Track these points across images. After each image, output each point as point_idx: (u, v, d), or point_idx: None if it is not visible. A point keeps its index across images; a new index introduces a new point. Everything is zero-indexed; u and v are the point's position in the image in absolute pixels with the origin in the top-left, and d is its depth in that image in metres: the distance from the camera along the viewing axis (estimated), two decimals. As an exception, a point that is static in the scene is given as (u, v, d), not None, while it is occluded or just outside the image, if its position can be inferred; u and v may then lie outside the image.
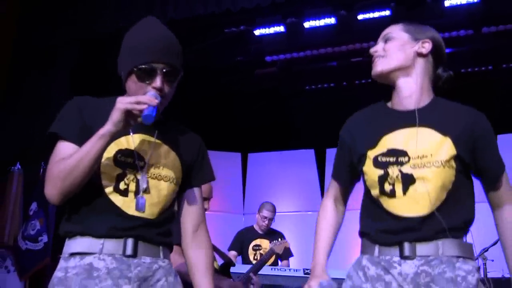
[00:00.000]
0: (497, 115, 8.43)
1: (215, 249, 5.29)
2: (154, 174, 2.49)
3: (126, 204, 2.41)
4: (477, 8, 7.19)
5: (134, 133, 2.49)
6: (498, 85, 8.54)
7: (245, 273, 5.85)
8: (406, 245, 2.39)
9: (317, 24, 7.62)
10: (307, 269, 6.27)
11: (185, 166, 2.61)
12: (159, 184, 2.50)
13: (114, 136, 2.31)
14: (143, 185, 2.44)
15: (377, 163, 2.49)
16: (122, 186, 2.43)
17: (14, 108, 7.47)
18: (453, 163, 2.41)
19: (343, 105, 9.81)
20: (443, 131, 2.44)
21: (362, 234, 2.60)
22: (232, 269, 5.45)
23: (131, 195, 2.43)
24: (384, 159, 2.49)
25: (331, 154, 9.83)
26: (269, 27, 7.82)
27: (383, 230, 2.47)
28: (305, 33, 7.88)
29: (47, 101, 7.22)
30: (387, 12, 7.34)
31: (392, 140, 2.50)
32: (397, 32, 2.66)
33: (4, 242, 6.82)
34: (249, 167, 10.56)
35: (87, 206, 2.41)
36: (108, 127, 2.28)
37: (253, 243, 7.12)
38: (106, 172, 2.41)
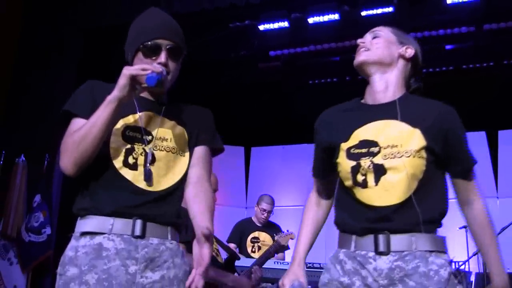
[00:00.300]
0: (498, 111, 8.55)
1: (218, 242, 5.32)
2: (162, 147, 2.58)
3: (136, 178, 2.49)
4: (479, 5, 7.23)
5: (140, 111, 2.58)
6: (499, 81, 8.58)
7: (250, 267, 5.87)
8: (381, 240, 2.44)
9: (321, 20, 7.66)
10: (310, 263, 6.30)
11: (193, 138, 2.68)
12: (167, 156, 2.58)
13: (121, 102, 2.40)
14: (148, 157, 2.51)
15: (349, 155, 2.54)
16: (131, 160, 2.51)
17: (21, 101, 7.50)
18: (423, 154, 2.46)
19: (346, 100, 9.88)
20: (413, 124, 2.50)
21: (337, 225, 2.64)
22: (237, 263, 5.49)
23: (140, 168, 2.51)
24: (356, 151, 2.55)
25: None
26: (273, 22, 7.85)
27: (358, 220, 2.51)
28: (309, 29, 7.90)
29: (53, 95, 7.25)
30: (390, 9, 7.38)
31: (364, 132, 2.56)
32: (385, 32, 2.77)
33: (8, 234, 6.82)
34: (252, 161, 10.60)
35: (98, 181, 2.50)
36: (115, 93, 2.39)
37: (252, 235, 7.12)
38: (115, 147, 2.51)
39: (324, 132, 2.74)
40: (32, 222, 6.82)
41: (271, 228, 7.11)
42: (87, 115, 2.46)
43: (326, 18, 7.63)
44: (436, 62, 9.00)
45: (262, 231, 7.13)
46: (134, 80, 2.39)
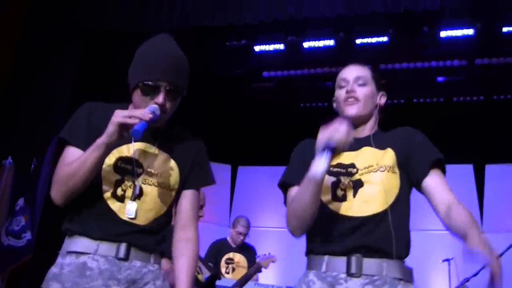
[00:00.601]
0: (486, 145, 8.62)
1: (200, 260, 5.34)
2: (151, 181, 2.61)
3: (121, 210, 2.54)
4: (472, 40, 7.31)
5: (135, 141, 2.60)
6: (489, 115, 8.65)
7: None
8: (353, 262, 2.48)
9: (316, 45, 7.72)
10: (291, 287, 6.33)
11: (184, 173, 2.71)
12: (155, 190, 2.61)
13: (112, 145, 2.46)
14: (135, 192, 2.56)
15: (329, 172, 2.61)
16: (119, 192, 2.56)
17: (16, 102, 7.49)
18: (396, 169, 2.61)
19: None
20: (383, 147, 2.67)
21: (308, 251, 2.68)
22: (217, 283, 5.50)
23: (127, 200, 2.56)
24: (335, 169, 2.65)
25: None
26: (269, 44, 7.91)
27: (332, 236, 2.56)
28: (303, 52, 7.98)
29: (50, 97, 7.25)
30: (384, 38, 7.46)
31: (340, 158, 2.68)
32: (369, 79, 2.86)
33: (-14, 236, 6.80)
34: (238, 180, 10.61)
35: (87, 209, 2.55)
36: (103, 139, 2.41)
37: (226, 256, 7.10)
38: (106, 177, 2.56)
39: (303, 155, 2.79)
40: (13, 225, 6.77)
41: (246, 250, 7.14)
42: (81, 145, 2.54)
43: (321, 43, 7.69)
44: (427, 93, 9.09)
45: (237, 253, 7.14)
46: (122, 127, 2.40)
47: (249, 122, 10.15)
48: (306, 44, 7.76)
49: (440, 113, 8.84)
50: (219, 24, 6.89)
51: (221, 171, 10.35)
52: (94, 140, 2.45)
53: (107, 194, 2.55)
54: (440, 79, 8.47)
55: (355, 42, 7.60)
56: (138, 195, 2.57)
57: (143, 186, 2.59)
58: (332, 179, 2.64)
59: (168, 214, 2.69)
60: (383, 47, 7.67)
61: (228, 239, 7.26)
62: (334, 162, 2.65)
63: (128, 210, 2.54)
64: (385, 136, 2.76)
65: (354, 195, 2.58)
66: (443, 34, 7.28)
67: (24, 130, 7.16)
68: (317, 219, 2.59)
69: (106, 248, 2.50)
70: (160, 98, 2.53)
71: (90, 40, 7.54)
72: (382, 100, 2.87)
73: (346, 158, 2.68)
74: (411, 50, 7.92)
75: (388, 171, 2.60)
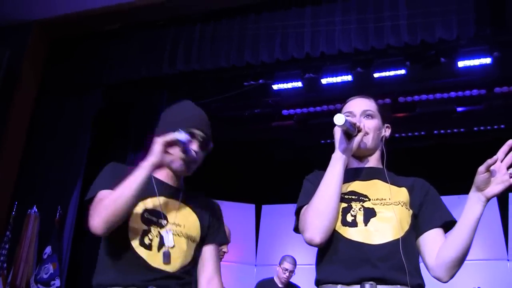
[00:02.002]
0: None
1: None
2: (176, 231, 2.73)
3: (151, 257, 2.64)
4: (490, 69, 7.29)
5: (160, 195, 2.75)
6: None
7: None
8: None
9: (334, 81, 7.72)
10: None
11: (204, 228, 2.85)
12: (180, 240, 2.73)
13: (154, 167, 2.61)
14: (169, 241, 2.67)
15: (342, 199, 2.64)
16: (146, 240, 2.66)
17: (36, 152, 7.57)
18: (408, 207, 2.63)
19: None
20: (397, 185, 2.71)
21: (318, 281, 2.66)
22: None
23: (154, 249, 2.66)
24: (347, 196, 2.67)
25: (344, 208, 9.92)
26: (287, 82, 7.93)
27: (344, 264, 2.53)
28: (322, 89, 7.98)
29: (67, 147, 7.33)
30: (402, 71, 7.45)
31: (352, 186, 2.72)
32: (375, 112, 2.92)
33: (16, 284, 6.79)
34: (263, 219, 10.59)
35: (115, 258, 2.64)
36: (150, 158, 2.58)
37: None
38: (133, 227, 2.66)
39: (315, 180, 2.81)
40: (41, 273, 6.80)
41: None
42: (112, 187, 2.61)
43: (339, 79, 7.68)
44: (447, 124, 9.05)
45: None
46: (165, 145, 2.61)
47: (271, 160, 10.17)
48: (324, 81, 7.75)
49: (461, 143, 8.81)
50: (236, 65, 6.94)
51: (245, 210, 10.36)
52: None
53: (135, 243, 2.64)
54: (460, 109, 8.44)
55: (373, 76, 7.59)
56: (164, 244, 2.67)
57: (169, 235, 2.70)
58: (343, 205, 2.64)
59: (193, 265, 2.80)
60: (401, 79, 7.66)
61: (275, 278, 7.27)
62: (346, 190, 2.68)
63: (165, 256, 2.64)
64: (398, 177, 2.81)
65: (366, 224, 2.58)
66: (460, 64, 7.26)
67: (48, 178, 7.24)
68: (327, 244, 2.61)
69: None
70: (194, 145, 2.74)
71: (107, 92, 7.64)
72: (387, 132, 2.94)
73: (358, 187, 2.71)
74: (429, 81, 7.91)
75: (402, 206, 2.61)
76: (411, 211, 2.63)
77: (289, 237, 10.12)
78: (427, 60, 7.29)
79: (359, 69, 7.48)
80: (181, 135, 2.60)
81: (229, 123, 9.24)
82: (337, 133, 2.71)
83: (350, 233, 2.57)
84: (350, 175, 2.76)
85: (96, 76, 7.63)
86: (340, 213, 2.62)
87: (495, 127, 9.09)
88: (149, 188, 2.71)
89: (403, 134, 9.59)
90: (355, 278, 2.48)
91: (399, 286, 2.46)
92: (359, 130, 2.70)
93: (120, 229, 2.61)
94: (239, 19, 7.09)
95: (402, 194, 2.67)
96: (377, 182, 2.73)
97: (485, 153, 2.76)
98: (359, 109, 2.89)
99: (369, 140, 2.80)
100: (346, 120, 2.56)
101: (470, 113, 8.68)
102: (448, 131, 9.28)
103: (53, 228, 7.04)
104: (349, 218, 2.61)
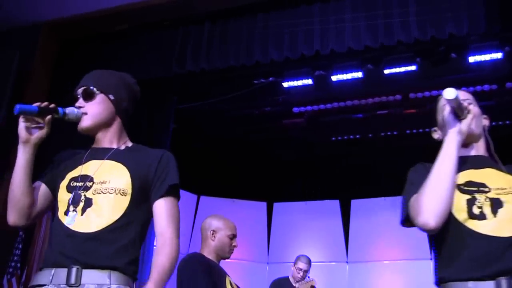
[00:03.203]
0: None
1: None
2: (100, 190, 2.67)
3: (69, 222, 2.63)
4: (501, 64, 7.26)
5: (86, 161, 2.79)
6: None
7: None
8: (504, 284, 2.33)
9: (344, 78, 7.71)
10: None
11: (136, 179, 2.74)
12: (105, 197, 2.66)
13: (28, 146, 2.73)
14: (79, 201, 2.65)
15: (462, 190, 2.55)
16: (71, 208, 2.66)
17: (47, 151, 7.59)
18: None
19: (368, 156, 9.94)
20: (504, 170, 2.63)
21: (443, 279, 2.53)
22: None
23: (79, 213, 2.63)
24: (466, 188, 2.56)
25: (355, 205, 9.92)
26: (297, 80, 7.92)
27: (475, 259, 2.42)
28: (332, 86, 7.97)
29: (80, 148, 7.35)
30: (413, 67, 7.44)
31: (468, 176, 2.61)
32: (473, 100, 2.87)
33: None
34: (274, 217, 10.59)
35: (51, 233, 2.69)
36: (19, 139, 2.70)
37: None
38: (61, 199, 2.70)
39: (421, 171, 2.72)
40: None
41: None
42: (42, 179, 2.86)
43: (349, 76, 7.68)
44: (459, 120, 9.02)
45: None
46: (28, 120, 2.70)
47: (282, 158, 10.18)
48: (334, 78, 7.75)
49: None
50: (245, 63, 6.94)
51: (257, 208, 10.37)
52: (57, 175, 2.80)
53: (61, 214, 2.65)
54: (471, 105, 8.41)
55: (384, 73, 7.58)
56: (88, 206, 2.63)
57: (93, 196, 2.65)
58: (466, 196, 2.54)
59: (128, 221, 2.68)
60: (411, 76, 7.65)
61: (290, 278, 7.25)
62: (463, 181, 2.58)
63: (69, 217, 2.62)
64: (504, 166, 2.69)
65: (495, 214, 2.48)
66: (471, 59, 7.23)
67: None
68: (452, 240, 2.52)
69: (59, 275, 2.52)
70: (79, 101, 2.89)
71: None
72: (486, 122, 2.84)
73: (474, 176, 2.61)
74: (440, 78, 7.89)
75: None
76: None
77: (301, 234, 10.16)
78: (437, 56, 7.28)
79: (369, 65, 7.48)
80: (15, 109, 2.59)
81: (240, 122, 9.25)
82: (447, 114, 2.63)
83: (479, 226, 2.47)
84: (461, 163, 2.62)
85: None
86: (466, 206, 2.52)
87: (507, 122, 9.06)
88: (78, 159, 2.81)
89: (414, 131, 9.58)
90: (489, 273, 2.37)
91: None
92: (468, 111, 2.60)
93: (55, 206, 2.71)
94: (247, 17, 7.08)
95: None
96: (491, 171, 2.64)
97: (497, 149, 2.75)
98: (463, 97, 2.79)
99: (474, 124, 2.68)
100: (457, 95, 2.50)
101: (481, 108, 8.66)
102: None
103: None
104: (476, 210, 2.50)
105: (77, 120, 2.80)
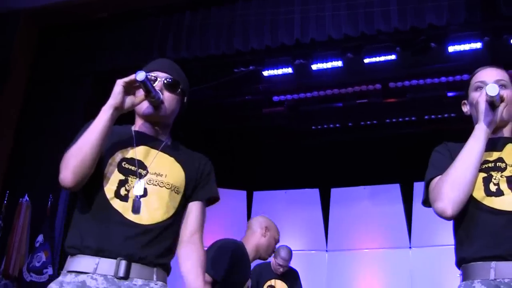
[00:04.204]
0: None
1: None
2: (155, 181, 2.62)
3: (125, 209, 2.52)
4: (480, 54, 7.29)
5: (138, 145, 2.67)
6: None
7: None
8: None
9: (324, 67, 7.72)
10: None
11: (189, 179, 2.73)
12: (160, 191, 2.61)
13: (117, 111, 2.54)
14: (138, 189, 2.55)
15: (479, 169, 2.54)
16: (123, 191, 2.55)
17: (26, 141, 7.55)
18: None
19: (348, 145, 9.96)
20: None
21: (463, 260, 2.53)
22: None
23: (131, 200, 2.54)
24: (483, 166, 2.56)
25: (335, 193, 9.94)
26: (277, 68, 7.92)
27: (497, 237, 2.41)
28: (312, 75, 7.98)
29: (59, 136, 7.30)
30: (392, 57, 7.46)
31: (488, 156, 2.61)
32: (508, 82, 2.77)
33: (9, 273, 6.78)
34: (254, 205, 10.59)
35: (89, 212, 2.55)
36: (109, 101, 2.53)
37: (268, 282, 7.00)
38: (109, 178, 2.57)
39: (444, 151, 2.74)
40: (34, 262, 6.81)
41: (288, 275, 6.98)
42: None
43: (329, 65, 7.69)
44: (438, 109, 9.06)
45: (278, 279, 7.01)
46: (126, 85, 2.54)
47: (262, 147, 10.17)
48: (314, 66, 7.76)
49: (452, 128, 8.82)
50: (226, 52, 6.93)
51: (237, 197, 10.36)
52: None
53: (110, 194, 2.54)
54: (450, 94, 8.45)
55: (363, 62, 7.59)
56: (142, 195, 2.55)
57: (147, 186, 2.58)
58: (482, 174, 2.55)
59: (176, 220, 2.67)
60: (391, 65, 7.67)
61: (272, 263, 7.14)
62: (482, 160, 2.57)
63: (133, 206, 2.53)
64: None
65: None
66: (451, 49, 7.26)
67: (39, 167, 7.21)
68: (471, 219, 2.51)
69: (105, 266, 2.45)
70: (157, 85, 2.67)
71: (98, 80, 7.61)
72: None
73: (491, 156, 2.62)
74: (420, 67, 7.91)
75: None
76: None
77: (281, 223, 10.09)
78: (417, 46, 7.29)
79: (349, 54, 7.48)
80: (139, 74, 2.49)
81: (220, 110, 9.23)
82: (482, 104, 2.58)
83: (497, 203, 2.47)
84: (486, 146, 2.60)
85: (86, 65, 7.61)
86: (482, 184, 2.53)
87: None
88: (127, 139, 2.68)
89: (393, 120, 9.61)
90: (510, 250, 2.37)
91: None
92: (502, 100, 2.58)
93: (95, 181, 2.53)
94: (228, 6, 7.08)
95: None
96: (510, 147, 2.65)
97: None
98: (493, 78, 2.75)
99: (507, 111, 2.66)
100: (499, 91, 2.50)
101: (461, 97, 8.69)
102: (439, 116, 9.29)
103: (45, 217, 7.03)
104: (492, 187, 2.51)
105: (155, 102, 2.64)
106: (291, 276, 6.97)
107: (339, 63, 7.67)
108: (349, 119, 9.80)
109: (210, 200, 2.84)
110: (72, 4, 7.37)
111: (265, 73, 8.07)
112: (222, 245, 4.44)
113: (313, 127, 10.22)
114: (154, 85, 2.64)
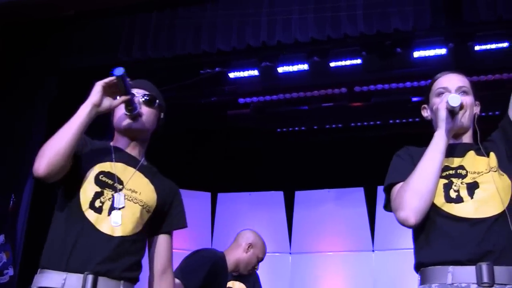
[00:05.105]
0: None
1: None
2: (130, 197, 2.70)
3: (98, 221, 2.60)
4: (445, 60, 7.35)
5: (116, 161, 2.76)
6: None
7: None
8: (484, 269, 2.35)
9: (290, 70, 7.74)
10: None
11: (160, 202, 2.82)
12: (134, 206, 2.69)
13: (95, 110, 2.67)
14: (119, 202, 2.64)
15: (440, 176, 2.58)
16: (97, 203, 2.64)
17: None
18: (500, 172, 2.60)
19: (313, 148, 9.99)
20: (487, 154, 2.67)
21: (421, 264, 2.57)
22: None
23: (104, 212, 2.62)
24: (444, 173, 2.60)
25: (299, 196, 9.95)
26: (243, 70, 7.91)
27: (454, 243, 2.45)
28: (278, 77, 7.98)
29: (22, 135, 7.22)
30: (358, 61, 7.50)
31: (448, 162, 2.67)
32: (469, 88, 2.84)
33: (-30, 274, 6.74)
34: (218, 207, 10.56)
35: (63, 223, 2.63)
36: (88, 99, 2.65)
37: (227, 284, 6.98)
38: (85, 189, 2.66)
39: (406, 156, 2.80)
40: (-6, 263, 6.74)
41: (248, 277, 6.94)
42: None
43: (295, 68, 7.70)
44: (403, 113, 9.12)
45: (237, 281, 6.96)
46: (105, 86, 2.67)
47: (227, 149, 10.16)
48: (280, 69, 7.77)
49: (416, 133, 8.89)
50: (192, 52, 6.92)
51: (201, 198, 10.33)
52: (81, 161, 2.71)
53: (85, 206, 2.61)
54: (415, 99, 8.51)
55: (329, 65, 7.62)
56: (119, 207, 2.65)
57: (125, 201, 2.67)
58: (443, 181, 2.58)
59: (142, 237, 2.75)
60: (357, 69, 7.70)
61: None
62: (443, 166, 2.61)
63: (113, 218, 2.60)
64: (485, 144, 2.74)
65: (471, 196, 2.51)
66: (416, 54, 7.32)
67: (1, 166, 7.12)
68: (430, 225, 2.54)
69: (73, 281, 2.49)
70: (136, 100, 2.81)
71: (63, 79, 7.54)
72: (477, 109, 2.84)
73: (452, 162, 2.65)
74: (385, 71, 7.96)
75: (495, 171, 2.57)
76: (505, 173, 2.60)
77: (245, 225, 10.09)
78: (383, 50, 7.35)
79: (316, 58, 7.50)
80: (117, 69, 2.62)
81: (185, 111, 9.20)
82: (442, 111, 2.63)
83: (456, 209, 2.51)
84: (446, 152, 2.65)
85: (51, 64, 7.52)
86: (442, 190, 2.56)
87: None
88: (106, 154, 2.78)
89: (358, 124, 9.66)
90: (468, 256, 2.42)
91: None
92: (462, 108, 2.64)
93: (72, 192, 2.64)
94: (196, 6, 7.05)
95: (492, 159, 2.64)
96: (470, 156, 2.69)
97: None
98: (455, 85, 2.81)
99: (465, 118, 2.71)
100: (460, 104, 2.55)
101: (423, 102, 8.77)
102: (404, 120, 9.36)
103: (6, 216, 6.94)
104: (452, 194, 2.55)
105: (132, 115, 2.78)
106: (251, 277, 6.95)
107: (305, 66, 7.68)
108: (314, 122, 9.83)
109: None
110: (37, 2, 7.27)
111: (231, 75, 8.06)
112: (203, 255, 4.49)
113: (278, 130, 10.23)
114: (136, 100, 2.79)
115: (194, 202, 10.02)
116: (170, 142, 9.49)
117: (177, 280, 4.05)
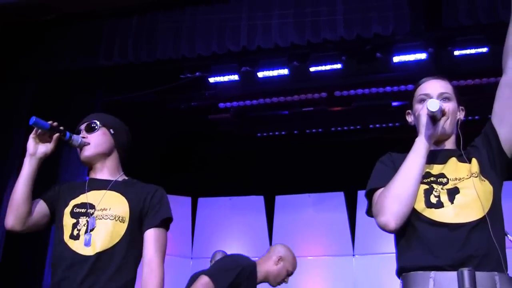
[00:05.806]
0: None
1: None
2: (101, 215, 2.93)
3: (77, 246, 2.86)
4: (425, 65, 7.39)
5: (88, 191, 3.04)
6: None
7: None
8: (466, 275, 2.36)
9: (270, 74, 7.74)
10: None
11: (133, 210, 3.00)
12: (105, 223, 2.91)
13: (36, 157, 3.03)
14: (92, 225, 2.89)
15: (421, 182, 2.59)
16: (75, 232, 2.90)
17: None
18: (482, 177, 2.61)
19: (293, 153, 10.00)
20: (469, 160, 2.68)
21: (404, 270, 2.57)
22: None
23: (81, 238, 2.87)
24: (425, 180, 2.62)
25: (280, 201, 9.95)
26: (223, 75, 7.92)
27: (435, 248, 2.46)
28: (258, 82, 8.00)
29: (3, 139, 7.16)
30: (338, 65, 7.51)
31: (430, 169, 2.68)
32: (452, 94, 2.85)
33: None
34: (199, 212, 10.55)
35: (54, 259, 2.94)
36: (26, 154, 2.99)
37: None
38: (65, 224, 2.94)
39: (388, 162, 2.80)
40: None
41: None
42: (44, 197, 3.11)
43: (275, 72, 7.71)
44: (383, 118, 9.16)
45: None
46: (38, 137, 3.03)
47: (207, 153, 10.15)
48: (260, 74, 7.77)
49: (396, 138, 8.93)
50: (172, 57, 6.92)
51: (181, 203, 10.30)
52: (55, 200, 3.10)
53: (67, 238, 2.88)
54: (395, 103, 8.55)
55: (309, 70, 7.63)
56: (91, 229, 2.88)
57: (96, 221, 2.91)
58: (424, 186, 2.59)
59: (122, 246, 2.92)
60: (337, 74, 7.72)
61: None
62: (424, 172, 2.63)
63: (85, 240, 2.85)
64: (468, 150, 2.75)
65: (452, 202, 2.52)
66: (396, 59, 7.35)
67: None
68: (411, 230, 2.55)
69: None
70: (81, 135, 3.14)
71: (43, 83, 7.50)
72: (461, 115, 2.85)
73: (434, 169, 2.66)
74: (365, 76, 7.99)
75: (476, 177, 2.58)
76: (486, 179, 2.61)
77: (226, 230, 10.15)
78: (363, 55, 7.38)
79: (296, 63, 7.52)
80: (30, 119, 2.89)
81: (165, 115, 9.18)
82: (423, 117, 2.63)
83: (436, 214, 2.52)
84: (428, 158, 2.65)
85: (32, 66, 7.48)
86: (423, 195, 2.58)
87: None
88: (80, 189, 3.07)
89: (339, 128, 9.68)
90: (449, 261, 2.43)
91: (495, 272, 2.42)
92: (444, 114, 2.64)
93: (58, 232, 2.95)
94: (176, 11, 7.05)
95: (474, 166, 2.65)
96: (452, 161, 2.70)
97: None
98: (436, 92, 2.81)
99: (447, 124, 2.71)
100: (440, 107, 2.55)
101: (405, 107, 8.79)
102: (384, 125, 9.39)
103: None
104: (433, 199, 2.56)
105: (79, 146, 3.08)
106: None
107: (285, 71, 7.70)
108: (294, 126, 9.86)
109: (165, 223, 3.10)
110: (17, 6, 7.22)
111: (211, 79, 8.06)
112: (235, 260, 4.67)
113: (258, 134, 10.25)
114: (80, 135, 3.11)
115: (174, 206, 9.85)
116: (150, 146, 9.48)
117: (207, 278, 4.29)
